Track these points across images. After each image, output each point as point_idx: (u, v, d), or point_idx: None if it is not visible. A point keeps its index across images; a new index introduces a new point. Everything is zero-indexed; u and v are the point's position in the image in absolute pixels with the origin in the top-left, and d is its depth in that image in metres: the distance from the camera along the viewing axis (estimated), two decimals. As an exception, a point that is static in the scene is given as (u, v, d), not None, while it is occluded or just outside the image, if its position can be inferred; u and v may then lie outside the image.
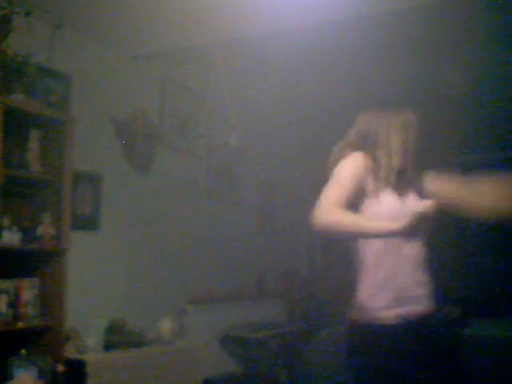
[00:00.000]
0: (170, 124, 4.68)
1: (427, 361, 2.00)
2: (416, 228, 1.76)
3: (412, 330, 2.01)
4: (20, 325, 3.09)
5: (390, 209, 2.05)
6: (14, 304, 3.11)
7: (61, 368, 3.17)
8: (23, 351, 3.09)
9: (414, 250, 2.09)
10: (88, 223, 3.91)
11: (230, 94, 4.83)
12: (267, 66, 4.42)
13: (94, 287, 3.84)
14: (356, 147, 2.14)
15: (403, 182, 2.12)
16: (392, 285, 2.04)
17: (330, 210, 1.91)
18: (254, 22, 3.64)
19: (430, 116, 4.36)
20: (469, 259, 4.17)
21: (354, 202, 2.03)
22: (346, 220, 1.90)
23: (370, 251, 2.07)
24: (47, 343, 3.23)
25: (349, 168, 2.07)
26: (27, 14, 3.08)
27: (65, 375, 3.18)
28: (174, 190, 4.68)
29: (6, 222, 3.07)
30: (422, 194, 2.11)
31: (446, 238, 4.24)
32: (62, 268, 3.28)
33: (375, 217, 2.00)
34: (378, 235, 1.88)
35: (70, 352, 3.38)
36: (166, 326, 4.06)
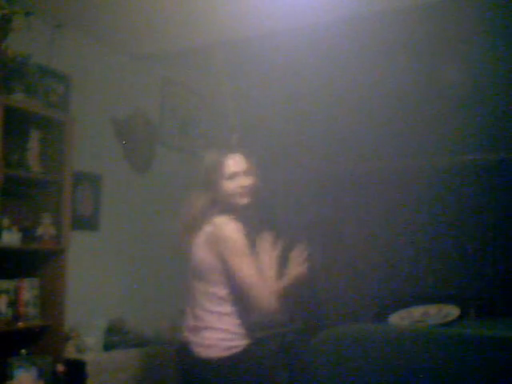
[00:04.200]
0: (169, 124, 4.68)
1: None
2: None
3: None
4: (20, 325, 3.09)
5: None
6: (14, 304, 3.11)
7: (61, 368, 3.17)
8: (23, 351, 3.10)
9: None
10: (88, 223, 3.91)
11: (230, 94, 4.83)
12: (267, 66, 4.42)
13: (93, 287, 3.84)
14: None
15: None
16: None
17: (271, 294, 2.15)
18: (254, 22, 3.64)
19: (429, 116, 4.36)
20: (469, 259, 4.18)
21: None
22: (279, 285, 2.21)
23: None
24: (47, 343, 3.23)
25: (239, 235, 2.20)
26: (27, 14, 3.08)
27: (65, 375, 3.18)
28: (174, 189, 4.67)
29: (6, 221, 3.06)
30: None
31: (446, 237, 4.24)
32: (62, 268, 3.28)
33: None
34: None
35: (70, 352, 3.38)
36: (166, 326, 4.06)
